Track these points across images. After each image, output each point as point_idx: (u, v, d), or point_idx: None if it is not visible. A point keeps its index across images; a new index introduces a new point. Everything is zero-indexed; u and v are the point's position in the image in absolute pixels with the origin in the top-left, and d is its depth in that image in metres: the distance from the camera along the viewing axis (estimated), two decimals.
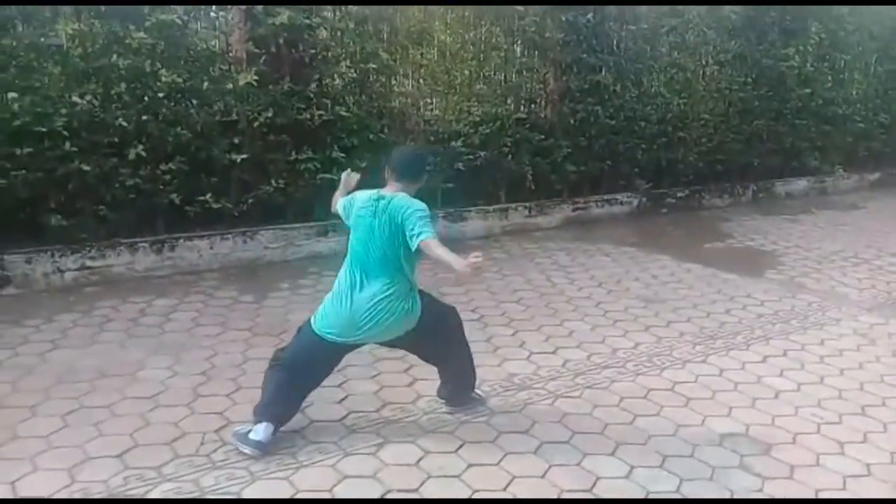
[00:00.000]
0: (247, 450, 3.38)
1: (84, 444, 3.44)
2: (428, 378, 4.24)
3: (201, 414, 3.78)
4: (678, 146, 9.19)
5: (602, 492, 3.22)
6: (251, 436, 3.40)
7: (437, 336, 3.71)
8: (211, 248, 6.27)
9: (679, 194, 9.40)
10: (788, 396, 4.19)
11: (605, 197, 8.80)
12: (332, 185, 6.72)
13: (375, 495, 3.13)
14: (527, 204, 8.17)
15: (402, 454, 3.45)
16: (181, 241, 6.15)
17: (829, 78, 10.71)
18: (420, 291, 3.62)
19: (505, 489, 3.21)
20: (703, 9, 9.22)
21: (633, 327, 5.21)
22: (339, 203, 3.84)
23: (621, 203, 8.90)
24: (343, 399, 3.97)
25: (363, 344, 3.64)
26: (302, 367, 3.53)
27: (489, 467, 3.38)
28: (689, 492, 3.23)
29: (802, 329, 5.27)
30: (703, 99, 9.41)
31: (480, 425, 3.76)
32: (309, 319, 3.62)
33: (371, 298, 3.42)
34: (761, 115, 9.88)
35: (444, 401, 3.94)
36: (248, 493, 3.12)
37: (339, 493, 3.15)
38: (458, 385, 3.91)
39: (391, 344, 3.73)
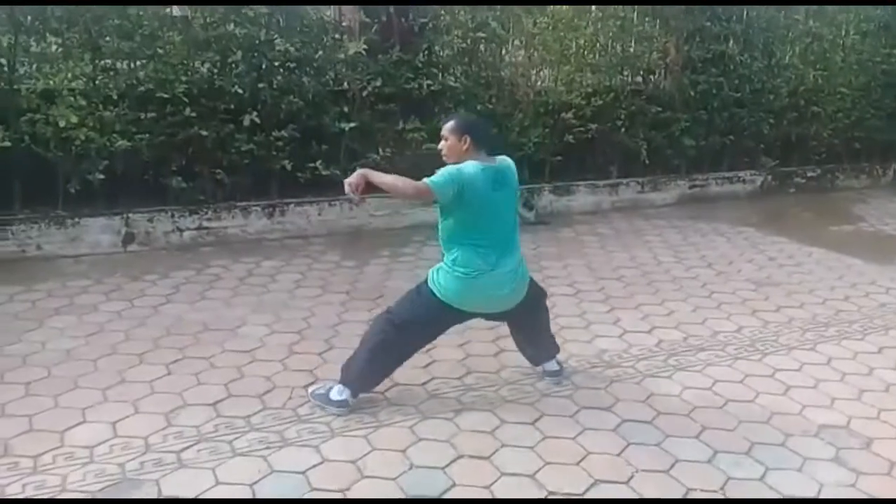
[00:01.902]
0: (333, 409, 3.49)
1: (183, 391, 3.66)
2: (514, 349, 4.22)
3: (293, 370, 3.93)
4: (811, 121, 8.61)
5: (679, 474, 3.10)
6: (332, 395, 3.50)
7: (532, 303, 3.73)
8: (319, 214, 6.47)
9: (809, 173, 8.82)
10: None
11: (726, 174, 8.39)
12: (438, 155, 6.82)
13: (448, 460, 3.16)
14: (640, 179, 7.91)
15: (479, 422, 3.47)
16: (291, 206, 6.39)
17: None
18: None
19: (578, 464, 3.17)
20: None
21: (739, 310, 4.97)
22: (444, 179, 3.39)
23: (744, 181, 8.46)
24: (428, 364, 4.02)
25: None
26: (416, 329, 3.55)
27: (565, 440, 3.34)
28: (774, 481, 3.06)
29: None
30: (842, 71, 8.72)
31: (562, 399, 3.71)
32: (430, 287, 3.54)
33: (507, 271, 3.49)
34: None
35: (532, 363, 3.96)
36: (326, 448, 3.22)
37: (413, 454, 3.20)
38: (545, 345, 3.93)
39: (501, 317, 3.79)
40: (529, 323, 3.85)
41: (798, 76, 8.46)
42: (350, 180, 3.29)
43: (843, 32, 8.80)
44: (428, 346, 4.17)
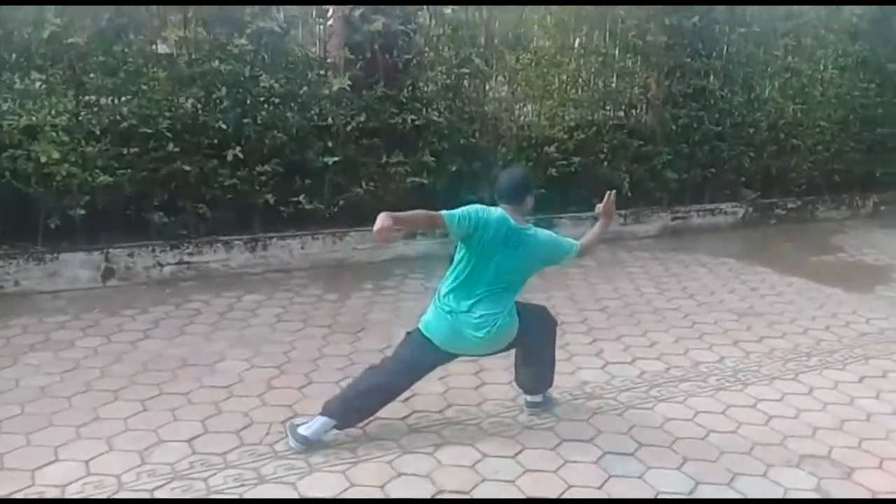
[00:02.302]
0: (291, 442, 3.44)
1: (158, 428, 3.60)
2: (496, 382, 4.23)
3: (271, 406, 3.89)
4: (791, 154, 8.72)
5: None
6: (300, 430, 3.46)
7: (528, 334, 3.72)
8: (302, 247, 6.46)
9: (790, 205, 8.91)
10: (882, 420, 3.88)
11: (708, 206, 8.46)
12: (423, 189, 6.88)
13: (427, 495, 3.12)
14: (622, 212, 7.94)
15: (459, 456, 3.43)
16: (274, 240, 6.37)
17: None
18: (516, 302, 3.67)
19: (559, 497, 3.13)
20: (822, 10, 8.73)
21: (721, 341, 4.97)
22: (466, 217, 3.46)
23: (725, 213, 8.53)
24: (409, 398, 3.96)
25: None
26: (404, 369, 3.62)
27: (546, 473, 3.30)
28: None
29: None
30: (821, 105, 8.88)
31: (543, 432, 3.68)
32: (417, 325, 3.68)
33: (481, 315, 3.51)
34: (885, 123, 9.22)
35: (522, 389, 3.94)
36: (303, 484, 3.18)
37: (392, 489, 3.16)
38: (540, 377, 3.89)
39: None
40: (530, 349, 3.83)
41: (778, 110, 8.59)
42: (377, 228, 3.29)
43: (822, 67, 8.97)
44: None
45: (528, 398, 3.91)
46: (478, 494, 3.14)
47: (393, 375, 3.62)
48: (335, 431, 3.53)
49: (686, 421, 3.84)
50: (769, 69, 8.58)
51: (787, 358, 4.71)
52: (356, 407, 3.56)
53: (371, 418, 3.71)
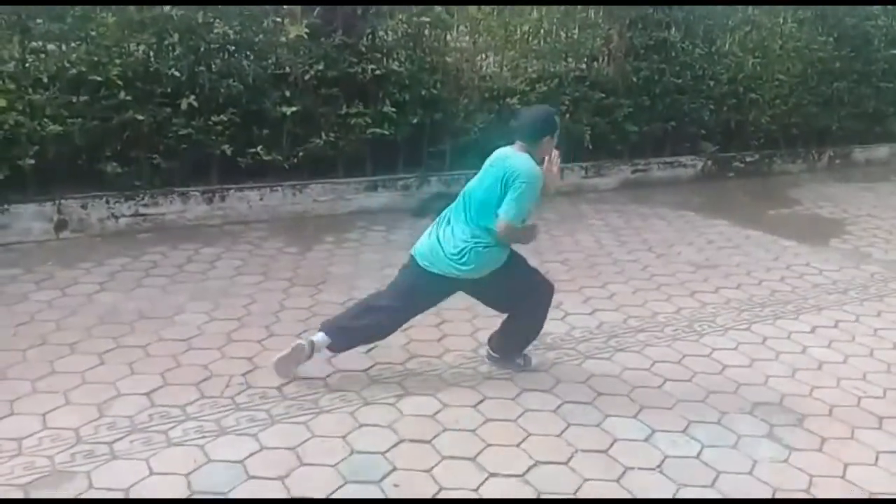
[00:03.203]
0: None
1: (116, 381, 3.56)
2: (457, 333, 4.25)
3: (231, 358, 3.86)
4: (750, 108, 8.77)
5: (618, 454, 3.15)
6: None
7: (516, 291, 3.71)
8: (261, 199, 6.36)
9: (748, 158, 9.00)
10: (832, 368, 4.00)
11: (668, 159, 8.50)
12: (383, 140, 6.80)
13: (389, 444, 3.15)
14: (584, 164, 7.97)
15: (421, 406, 3.46)
16: (232, 191, 6.26)
17: None
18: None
19: (518, 445, 3.18)
20: None
21: (678, 292, 5.05)
22: None
23: (685, 166, 8.59)
24: (371, 349, 3.97)
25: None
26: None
27: (506, 423, 3.35)
28: (709, 458, 3.13)
29: (860, 300, 5.01)
30: (780, 58, 8.90)
31: (504, 381, 3.72)
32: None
33: (456, 241, 3.53)
34: (842, 77, 9.30)
35: (490, 349, 3.92)
36: (265, 436, 3.17)
37: (353, 439, 3.18)
38: (511, 341, 3.87)
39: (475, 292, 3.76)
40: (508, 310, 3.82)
41: (737, 63, 8.60)
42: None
43: (781, 20, 8.98)
44: None
45: (492, 353, 3.93)
46: (438, 444, 3.17)
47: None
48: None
49: (643, 370, 3.91)
50: (729, 22, 8.58)
51: (742, 308, 4.82)
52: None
53: (332, 370, 3.73)
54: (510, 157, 3.52)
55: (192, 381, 3.60)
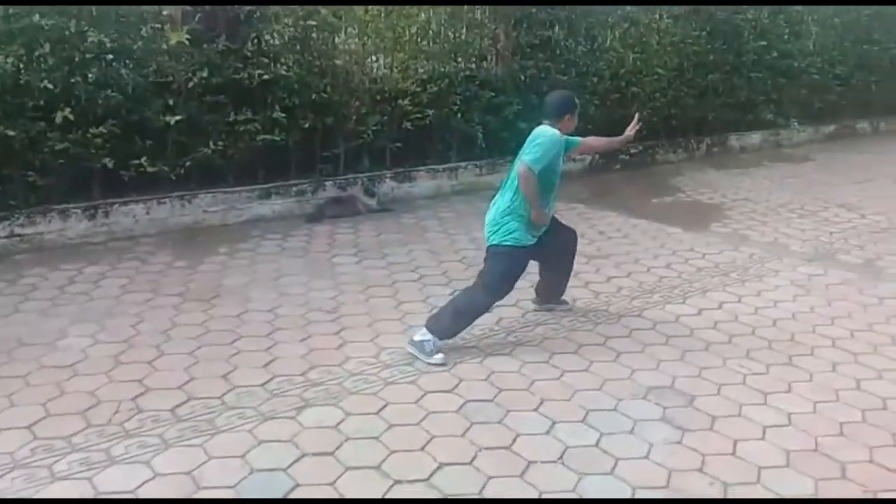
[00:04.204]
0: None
1: None
2: (358, 340, 4.21)
3: (119, 382, 3.69)
4: (632, 102, 9.07)
5: (520, 448, 3.19)
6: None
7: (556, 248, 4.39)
8: (147, 213, 6.12)
9: (633, 150, 9.32)
10: (718, 348, 4.19)
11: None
12: (274, 146, 6.66)
13: (290, 460, 3.08)
14: (478, 163, 8.06)
15: (322, 417, 3.40)
16: (116, 206, 6.01)
17: (786, 31, 10.64)
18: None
19: (422, 449, 3.18)
20: None
21: (573, 283, 5.10)
22: None
23: (574, 160, 8.77)
24: (269, 363, 3.90)
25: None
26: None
27: (409, 427, 3.34)
28: (608, 445, 3.22)
29: (741, 281, 5.28)
30: (657, 53, 9.29)
31: (406, 385, 3.71)
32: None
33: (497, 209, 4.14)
34: (716, 69, 9.79)
35: (539, 298, 4.68)
36: (159, 461, 3.05)
37: (253, 458, 3.09)
38: (556, 287, 4.62)
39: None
40: (553, 263, 4.51)
41: (619, 59, 8.92)
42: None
43: (658, 16, 9.37)
44: (268, 344, 4.12)
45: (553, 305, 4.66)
46: (342, 455, 3.13)
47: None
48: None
49: (541, 363, 3.99)
50: (609, 19, 8.88)
51: (633, 296, 4.99)
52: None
53: (229, 387, 3.63)
54: (537, 129, 4.09)
55: (78, 409, 3.42)
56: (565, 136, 4.20)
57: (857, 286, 5.23)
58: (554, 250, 4.37)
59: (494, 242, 4.11)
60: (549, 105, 4.20)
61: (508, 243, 4.07)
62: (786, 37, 10.60)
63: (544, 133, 4.03)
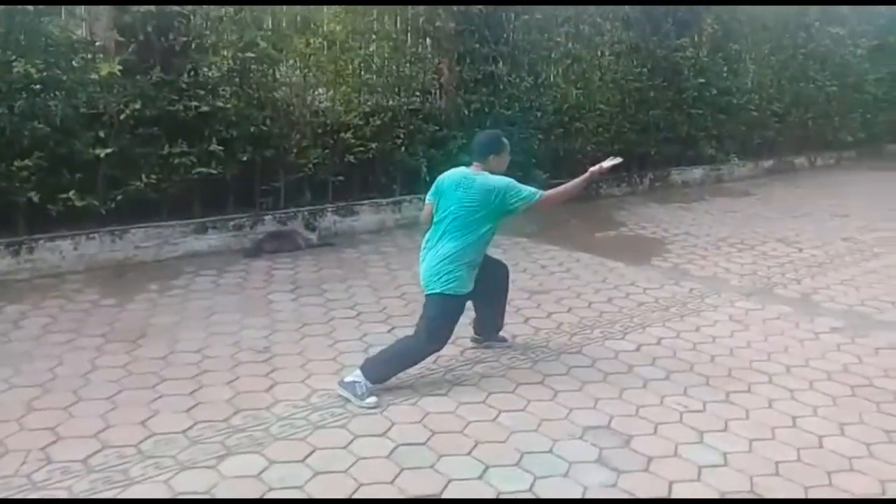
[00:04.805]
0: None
1: None
2: (288, 381, 4.06)
3: (30, 430, 3.47)
4: (575, 136, 9.19)
5: (451, 494, 3.08)
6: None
7: (489, 284, 4.27)
8: (75, 248, 5.89)
9: None
10: (656, 385, 4.15)
11: None
12: (211, 180, 6.50)
13: None
14: (422, 196, 7.91)
15: (244, 465, 3.24)
16: (41, 241, 5.77)
17: (725, 68, 10.90)
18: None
19: (349, 497, 3.04)
20: None
21: (513, 319, 5.10)
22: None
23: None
24: (192, 407, 3.72)
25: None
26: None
27: (335, 475, 3.19)
28: (541, 490, 3.12)
29: (680, 316, 5.27)
30: (600, 89, 9.44)
31: (336, 430, 3.57)
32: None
33: (441, 257, 3.97)
34: (657, 105, 9.97)
35: (479, 336, 4.61)
36: None
37: None
38: (492, 322, 4.55)
39: None
40: (486, 299, 4.38)
41: (562, 94, 9.01)
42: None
43: (599, 53, 9.52)
44: (192, 387, 3.94)
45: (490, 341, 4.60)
46: None
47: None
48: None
49: (478, 404, 3.88)
50: (552, 55, 8.99)
51: (573, 332, 4.93)
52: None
53: (147, 433, 3.45)
54: (479, 176, 3.99)
55: None
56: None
57: (793, 320, 5.27)
58: (486, 285, 4.25)
59: (436, 291, 3.96)
60: (475, 145, 4.14)
61: (449, 292, 3.95)
62: (724, 74, 10.87)
63: (499, 178, 3.97)
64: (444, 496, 3.07)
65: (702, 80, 10.39)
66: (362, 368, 3.90)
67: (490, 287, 4.33)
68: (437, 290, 3.96)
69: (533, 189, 4.01)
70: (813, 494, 3.16)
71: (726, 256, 6.93)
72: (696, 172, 11.00)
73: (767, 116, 11.77)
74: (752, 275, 6.37)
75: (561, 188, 4.25)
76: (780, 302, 5.66)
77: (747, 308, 5.49)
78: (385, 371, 3.95)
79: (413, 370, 4.22)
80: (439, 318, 4.00)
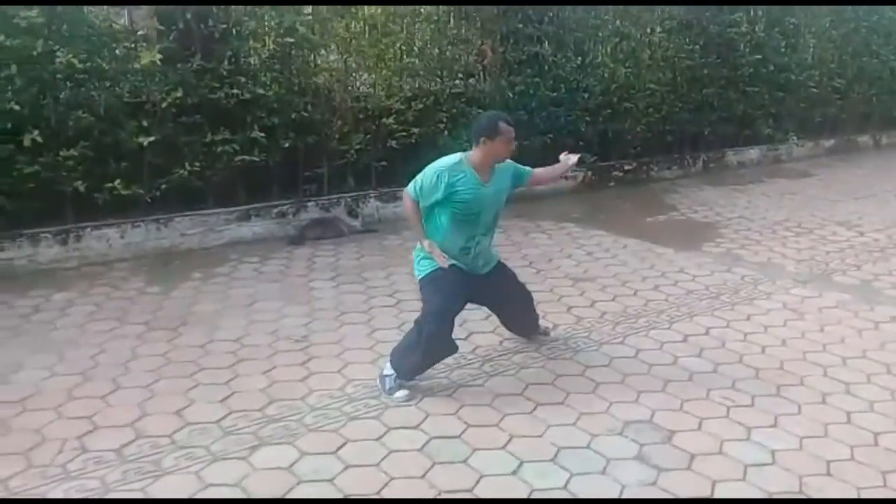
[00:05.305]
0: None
1: None
2: (324, 371, 4.03)
3: (68, 419, 3.51)
4: (624, 117, 8.93)
5: (484, 493, 2.99)
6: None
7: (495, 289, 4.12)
8: (122, 236, 5.97)
9: (626, 167, 9.16)
10: (702, 378, 3.98)
11: None
12: (254, 167, 6.51)
13: None
14: None
15: (276, 457, 3.21)
16: (89, 230, 5.85)
17: (782, 43, 10.44)
18: None
19: (379, 492, 2.99)
20: None
21: (555, 308, 4.98)
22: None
23: (566, 178, 8.61)
24: (227, 397, 3.72)
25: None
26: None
27: (367, 468, 3.14)
28: (577, 488, 3.02)
29: (731, 305, 5.07)
30: (650, 68, 9.13)
31: (369, 421, 3.52)
32: None
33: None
34: (711, 83, 9.61)
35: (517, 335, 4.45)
36: None
37: None
38: (522, 324, 4.39)
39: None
40: (499, 307, 4.29)
41: (610, 74, 8.75)
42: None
43: (649, 30, 9.20)
44: (229, 376, 3.94)
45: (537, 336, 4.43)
46: (293, 496, 2.93)
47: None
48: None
49: (515, 395, 3.79)
50: (599, 33, 8.72)
51: (617, 321, 4.78)
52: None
53: (183, 423, 3.45)
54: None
55: (20, 449, 3.24)
56: (511, 165, 3.99)
57: (852, 309, 5.01)
58: (493, 292, 4.12)
59: (418, 278, 3.95)
60: (471, 129, 3.90)
61: (423, 274, 3.88)
62: (782, 49, 10.40)
63: (435, 163, 3.84)
64: (476, 493, 2.99)
65: (758, 57, 9.97)
66: (391, 360, 3.82)
67: (496, 293, 4.15)
68: (418, 277, 3.95)
69: (419, 179, 3.86)
70: (865, 495, 2.99)
71: (782, 241, 6.65)
72: (753, 153, 10.60)
73: (828, 93, 11.25)
74: (810, 260, 6.10)
75: (545, 171, 4.43)
76: (839, 289, 5.40)
77: (803, 296, 5.25)
78: (406, 361, 3.79)
79: (450, 360, 4.14)
80: (427, 297, 3.85)
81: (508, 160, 3.95)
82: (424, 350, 3.75)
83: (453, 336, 3.89)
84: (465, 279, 3.88)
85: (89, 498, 2.64)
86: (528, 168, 4.17)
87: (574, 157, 4.26)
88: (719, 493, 3.00)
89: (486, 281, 4.00)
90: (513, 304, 4.27)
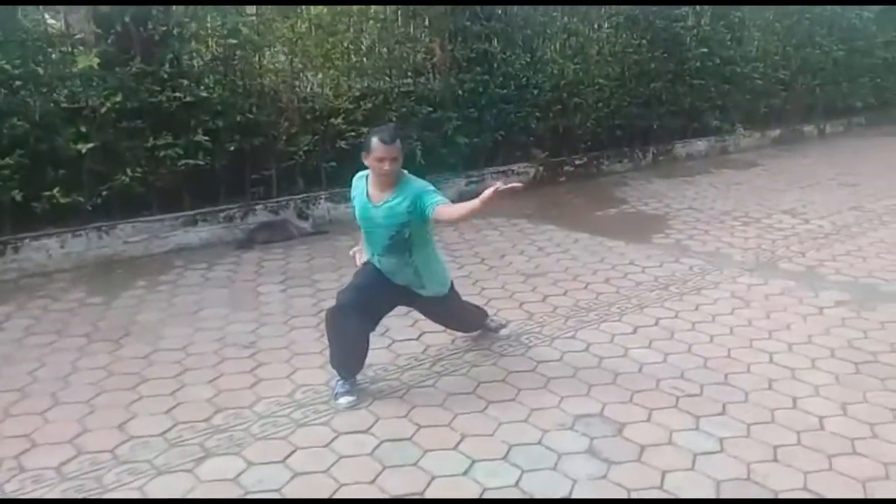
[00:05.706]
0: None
1: None
2: (273, 377, 3.96)
3: (5, 437, 3.38)
4: (574, 112, 8.98)
5: (435, 495, 2.96)
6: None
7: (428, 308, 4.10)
8: (62, 246, 5.79)
9: (577, 162, 9.21)
10: (652, 369, 4.00)
11: (501, 168, 8.52)
12: (199, 171, 6.38)
13: None
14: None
15: (222, 468, 3.13)
16: (27, 240, 5.67)
17: (728, 36, 10.61)
18: None
19: (331, 496, 2.93)
20: None
21: (507, 305, 4.97)
22: None
23: (517, 174, 8.65)
24: (171, 409, 3.62)
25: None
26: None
27: (315, 475, 3.08)
28: (528, 484, 3.00)
29: (679, 295, 5.12)
30: (598, 63, 9.19)
31: (318, 427, 3.46)
32: None
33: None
34: (658, 78, 9.72)
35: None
36: None
37: None
38: (467, 325, 4.37)
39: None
40: (436, 317, 4.23)
41: (559, 70, 8.78)
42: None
43: (597, 27, 9.27)
44: (174, 387, 3.84)
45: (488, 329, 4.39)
46: None
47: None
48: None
49: (467, 394, 3.76)
50: (548, 31, 8.75)
51: (568, 315, 4.79)
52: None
53: (125, 437, 3.34)
54: None
55: None
56: (420, 190, 3.70)
57: (797, 296, 5.10)
58: (422, 308, 4.14)
59: None
60: None
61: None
62: (728, 43, 10.57)
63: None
64: (427, 495, 2.95)
65: (704, 50, 10.11)
66: (330, 361, 3.81)
67: (430, 309, 4.15)
68: None
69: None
70: (812, 480, 3.02)
71: (730, 231, 6.75)
72: (701, 145, 10.76)
73: (773, 84, 11.48)
74: (756, 249, 6.20)
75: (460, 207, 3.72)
76: (784, 276, 5.49)
77: (749, 284, 5.33)
78: (332, 357, 3.79)
79: (401, 361, 4.12)
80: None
81: (423, 182, 3.74)
82: (331, 338, 3.76)
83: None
84: (383, 279, 3.83)
85: (90, 498, 2.55)
86: (433, 200, 3.62)
87: (500, 185, 3.33)
88: (669, 483, 3.01)
89: (415, 295, 3.91)
90: (442, 319, 4.27)
